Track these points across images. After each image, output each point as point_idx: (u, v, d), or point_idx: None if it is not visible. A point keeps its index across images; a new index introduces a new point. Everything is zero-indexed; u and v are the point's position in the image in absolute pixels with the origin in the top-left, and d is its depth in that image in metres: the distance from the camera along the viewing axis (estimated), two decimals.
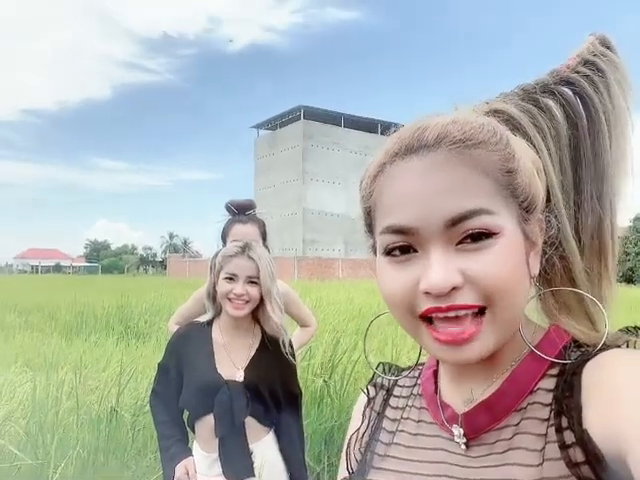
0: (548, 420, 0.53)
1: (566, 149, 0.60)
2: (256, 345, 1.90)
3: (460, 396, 0.61)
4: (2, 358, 5.60)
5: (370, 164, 0.60)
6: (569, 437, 0.50)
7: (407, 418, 0.67)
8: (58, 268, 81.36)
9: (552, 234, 0.58)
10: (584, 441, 0.48)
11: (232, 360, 1.86)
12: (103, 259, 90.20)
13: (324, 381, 3.86)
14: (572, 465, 0.49)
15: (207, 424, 1.80)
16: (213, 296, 1.93)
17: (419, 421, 0.65)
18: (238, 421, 1.79)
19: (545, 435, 0.52)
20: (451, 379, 0.63)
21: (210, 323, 1.94)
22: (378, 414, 0.71)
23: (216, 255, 1.93)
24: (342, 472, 0.72)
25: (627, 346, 0.54)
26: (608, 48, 0.61)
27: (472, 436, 0.57)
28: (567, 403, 0.51)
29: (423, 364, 0.71)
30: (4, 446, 2.90)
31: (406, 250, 0.54)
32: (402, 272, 0.54)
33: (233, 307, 1.83)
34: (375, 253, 0.60)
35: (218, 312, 1.95)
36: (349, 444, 0.72)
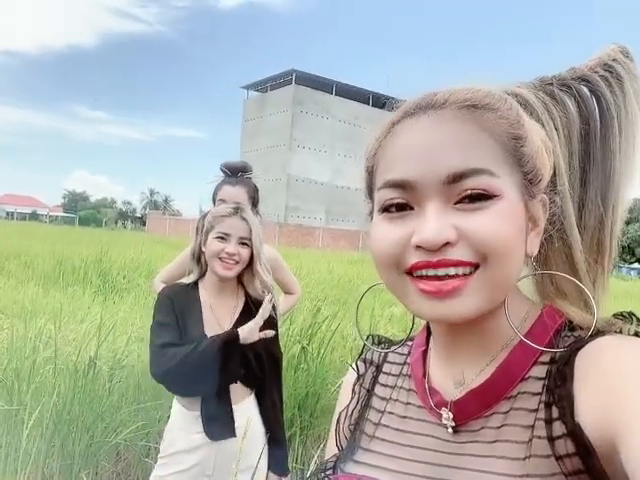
0: (536, 411, 0.53)
1: (576, 144, 0.60)
2: (240, 307, 1.91)
3: (451, 377, 0.60)
4: None
5: (379, 125, 0.59)
6: (559, 429, 0.50)
7: (396, 400, 0.66)
8: (35, 216, 79.87)
9: (555, 212, 0.58)
10: (575, 433, 0.48)
11: (218, 321, 1.86)
12: (81, 210, 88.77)
13: (302, 347, 3.90)
14: (560, 457, 0.49)
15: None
16: (198, 256, 1.92)
17: (407, 403, 0.65)
18: (229, 382, 1.81)
19: (532, 427, 0.52)
20: (442, 359, 0.62)
21: (195, 284, 1.93)
22: (368, 391, 0.71)
23: (205, 215, 1.92)
24: (331, 448, 0.72)
25: (620, 332, 0.54)
26: (628, 58, 0.62)
27: (460, 422, 0.57)
28: (559, 393, 0.51)
29: (413, 339, 0.70)
30: None
31: (402, 208, 0.54)
32: (396, 227, 0.54)
33: (223, 267, 1.83)
34: (372, 218, 0.59)
35: (202, 273, 1.94)
36: (338, 421, 0.71)
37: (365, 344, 0.73)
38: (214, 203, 2.43)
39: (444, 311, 0.52)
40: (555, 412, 0.51)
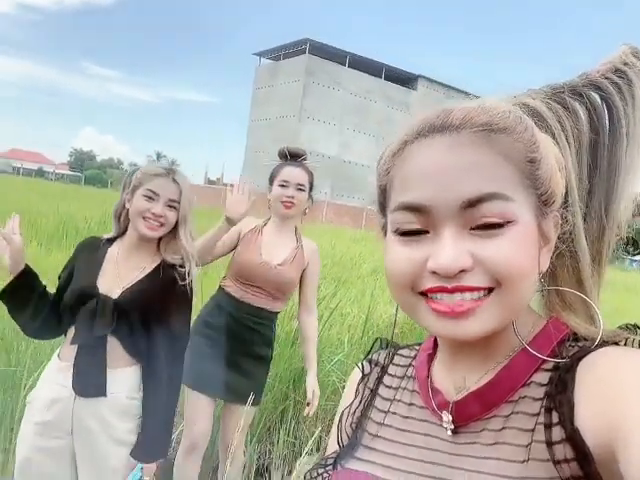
0: (537, 415, 0.53)
1: (585, 153, 0.61)
2: (149, 269, 1.83)
3: (452, 383, 0.61)
4: None
5: (391, 142, 0.59)
6: (559, 434, 0.50)
7: (399, 400, 0.67)
8: (40, 173, 79.76)
9: (566, 230, 0.58)
10: (574, 438, 0.49)
11: (119, 278, 1.81)
12: (87, 169, 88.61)
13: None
14: (559, 462, 0.49)
15: (71, 333, 1.79)
16: (120, 214, 1.89)
17: (410, 404, 0.66)
18: (97, 334, 1.73)
19: (532, 431, 0.53)
20: (445, 365, 0.63)
21: (112, 240, 1.90)
22: (371, 391, 0.72)
23: (133, 172, 1.87)
24: (332, 445, 0.73)
25: (625, 344, 0.55)
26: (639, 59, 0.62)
27: (461, 423, 0.58)
28: (559, 399, 0.52)
29: (419, 344, 0.71)
30: None
31: (418, 232, 0.54)
32: (411, 250, 0.54)
33: (147, 227, 1.78)
34: (385, 233, 0.60)
35: (122, 232, 1.90)
36: (341, 419, 0.72)
37: (373, 345, 0.75)
38: (271, 185, 2.49)
39: (456, 330, 0.53)
40: (555, 417, 0.51)
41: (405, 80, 56.41)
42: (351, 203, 42.56)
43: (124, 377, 1.77)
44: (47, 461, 1.75)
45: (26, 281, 1.80)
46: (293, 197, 2.42)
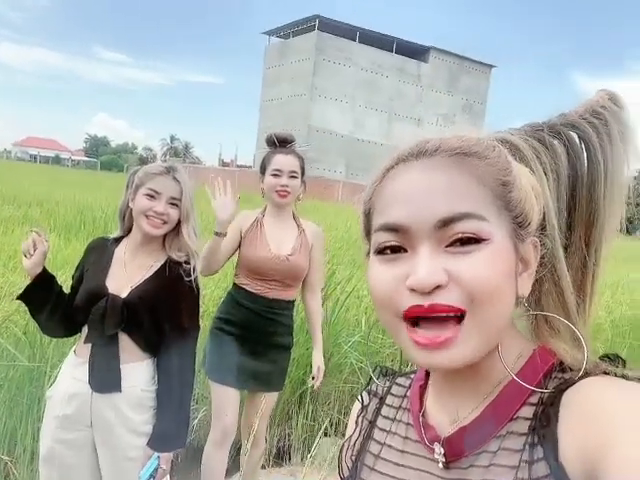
0: (522, 451, 0.54)
1: (564, 187, 0.62)
2: (156, 267, 1.87)
3: (446, 414, 0.62)
4: (0, 252, 5.67)
5: (375, 170, 0.62)
6: (543, 469, 0.51)
7: (395, 433, 0.68)
8: (57, 160, 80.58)
9: (546, 254, 0.59)
10: (559, 475, 0.50)
11: (127, 277, 1.85)
12: (102, 155, 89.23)
13: None
14: None
15: (85, 331, 1.85)
16: (124, 214, 1.92)
17: (406, 438, 0.66)
18: (107, 333, 1.79)
19: (517, 467, 0.54)
20: (437, 396, 0.64)
21: (118, 240, 1.94)
22: (370, 422, 0.73)
23: (135, 171, 1.90)
24: (337, 477, 0.75)
25: (607, 374, 0.55)
26: (616, 105, 0.63)
27: (452, 459, 0.59)
28: (543, 433, 0.53)
29: (415, 372, 0.72)
30: (3, 345, 3.01)
31: (396, 250, 0.56)
32: (390, 268, 0.56)
33: (150, 224, 1.81)
34: (369, 258, 0.61)
35: (127, 231, 1.94)
36: (341, 451, 0.74)
37: (372, 377, 0.75)
38: (262, 173, 2.49)
39: (438, 361, 0.54)
40: (540, 452, 0.52)
41: (416, 52, 55.54)
42: (366, 182, 42.27)
43: (138, 371, 1.83)
44: (69, 452, 1.83)
45: (43, 283, 1.85)
46: (287, 186, 2.42)
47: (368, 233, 0.62)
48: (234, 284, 2.55)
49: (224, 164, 65.55)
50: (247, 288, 2.47)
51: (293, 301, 2.60)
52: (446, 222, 0.53)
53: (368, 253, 0.62)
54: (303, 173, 2.50)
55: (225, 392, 2.45)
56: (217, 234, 2.24)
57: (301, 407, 3.63)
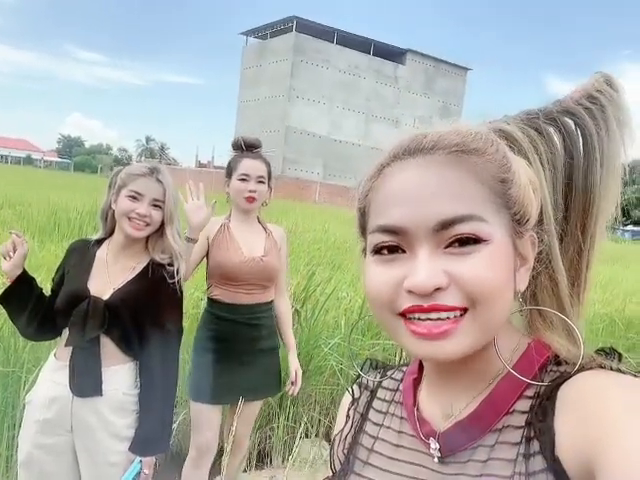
0: (519, 445, 0.54)
1: (560, 177, 0.62)
2: (139, 269, 1.84)
3: (440, 409, 0.62)
4: None
5: (369, 166, 0.61)
6: (540, 463, 0.51)
7: (388, 427, 0.68)
8: (29, 160, 78.91)
9: (543, 249, 0.59)
10: (555, 468, 0.50)
11: (109, 279, 1.82)
12: (76, 156, 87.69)
13: (296, 310, 3.94)
14: None
15: (66, 334, 1.81)
16: (107, 215, 1.89)
17: (400, 432, 0.66)
18: (89, 335, 1.75)
19: (515, 461, 0.54)
20: (431, 390, 0.64)
21: (100, 242, 1.91)
22: (361, 415, 0.72)
23: (117, 172, 1.87)
24: (328, 471, 0.74)
25: (602, 367, 0.55)
26: (612, 87, 0.63)
27: (447, 453, 0.59)
28: (540, 427, 0.53)
29: (407, 365, 0.72)
30: None
31: (394, 250, 0.55)
32: (388, 270, 0.55)
33: (132, 227, 1.78)
34: (365, 255, 0.60)
35: (109, 233, 1.91)
36: (333, 444, 0.73)
37: (360, 372, 0.75)
38: (229, 177, 2.45)
39: (435, 352, 0.53)
40: (536, 446, 0.52)
41: (394, 55, 55.90)
42: (343, 183, 42.42)
43: (120, 374, 1.80)
44: (49, 458, 1.79)
45: (23, 285, 1.81)
46: (255, 191, 2.39)
47: (363, 231, 0.61)
48: (209, 299, 2.48)
49: (201, 165, 64.95)
50: (223, 299, 2.41)
51: (271, 301, 2.56)
52: (445, 225, 0.52)
53: (363, 250, 0.61)
54: (270, 178, 2.48)
55: (201, 411, 2.40)
56: (188, 240, 2.16)
57: (282, 409, 3.61)
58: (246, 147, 2.46)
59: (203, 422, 2.40)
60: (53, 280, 1.92)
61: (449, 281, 0.52)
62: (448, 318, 0.52)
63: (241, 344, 2.42)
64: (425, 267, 0.52)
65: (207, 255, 2.43)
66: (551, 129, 0.63)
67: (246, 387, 2.42)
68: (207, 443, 2.40)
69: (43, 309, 1.85)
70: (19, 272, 1.77)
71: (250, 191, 2.38)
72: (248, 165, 2.40)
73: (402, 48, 55.98)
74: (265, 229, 2.53)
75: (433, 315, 0.52)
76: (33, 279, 1.84)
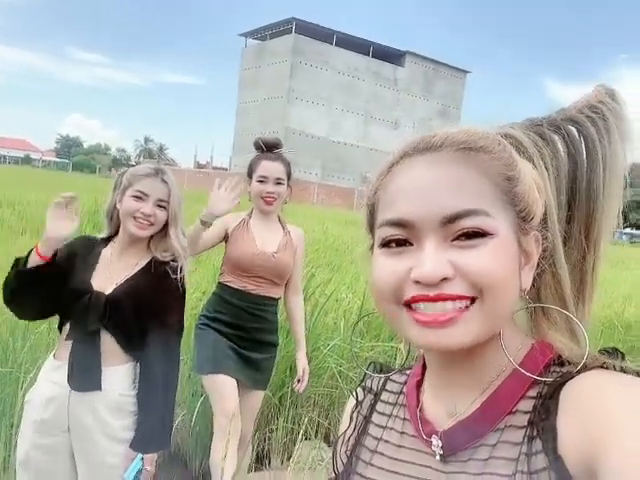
0: (521, 444, 0.54)
1: (564, 183, 0.63)
2: (140, 266, 1.86)
3: (444, 407, 0.62)
4: None
5: (380, 165, 0.63)
6: (542, 461, 0.51)
7: (392, 428, 0.68)
8: (27, 160, 78.84)
9: (547, 247, 0.60)
10: (558, 466, 0.50)
11: (112, 275, 1.83)
12: (74, 156, 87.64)
13: None
14: None
15: (66, 330, 1.81)
16: (112, 214, 1.90)
17: (402, 433, 0.67)
18: (90, 329, 1.75)
19: (517, 460, 0.54)
20: (434, 390, 0.65)
21: (106, 240, 1.92)
22: (365, 418, 0.73)
23: (123, 172, 1.89)
24: (330, 473, 0.74)
25: (605, 367, 0.55)
26: (614, 100, 0.64)
27: (450, 452, 0.59)
28: (543, 426, 0.53)
29: (410, 368, 0.72)
30: None
31: (402, 243, 0.57)
32: (396, 261, 0.56)
33: (137, 226, 1.80)
34: (372, 252, 0.61)
35: (114, 232, 1.92)
36: (336, 446, 0.74)
37: (367, 372, 0.75)
38: (250, 178, 2.51)
39: (439, 340, 0.54)
40: (538, 445, 0.53)
41: (393, 57, 56.01)
42: (341, 184, 42.47)
43: (118, 374, 1.80)
44: (46, 458, 1.79)
45: (47, 267, 1.74)
46: (273, 193, 2.46)
47: (372, 227, 0.62)
48: (219, 283, 2.57)
49: (200, 166, 65.01)
50: (232, 285, 2.50)
51: (278, 299, 2.63)
52: (452, 219, 0.53)
53: (371, 247, 0.62)
54: (289, 178, 2.53)
55: (223, 381, 2.43)
56: (202, 222, 2.26)
57: (281, 410, 3.60)
58: (266, 148, 2.51)
59: (222, 389, 2.44)
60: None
61: (455, 272, 0.53)
62: (454, 308, 0.53)
63: (240, 330, 2.50)
64: (431, 258, 0.53)
65: (225, 246, 2.54)
66: (555, 136, 0.64)
67: (241, 372, 2.49)
68: (232, 407, 2.41)
69: (47, 290, 1.79)
70: (52, 252, 1.73)
71: (268, 193, 2.46)
72: (266, 167, 2.46)
73: (401, 50, 56.17)
74: (284, 228, 2.61)
75: (439, 306, 0.53)
76: (57, 264, 1.78)
